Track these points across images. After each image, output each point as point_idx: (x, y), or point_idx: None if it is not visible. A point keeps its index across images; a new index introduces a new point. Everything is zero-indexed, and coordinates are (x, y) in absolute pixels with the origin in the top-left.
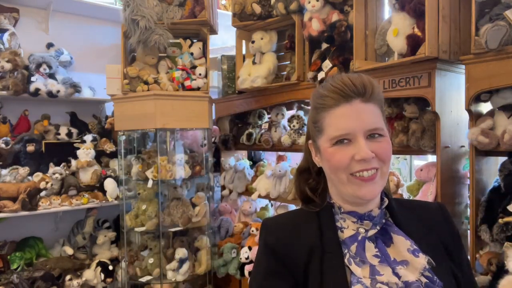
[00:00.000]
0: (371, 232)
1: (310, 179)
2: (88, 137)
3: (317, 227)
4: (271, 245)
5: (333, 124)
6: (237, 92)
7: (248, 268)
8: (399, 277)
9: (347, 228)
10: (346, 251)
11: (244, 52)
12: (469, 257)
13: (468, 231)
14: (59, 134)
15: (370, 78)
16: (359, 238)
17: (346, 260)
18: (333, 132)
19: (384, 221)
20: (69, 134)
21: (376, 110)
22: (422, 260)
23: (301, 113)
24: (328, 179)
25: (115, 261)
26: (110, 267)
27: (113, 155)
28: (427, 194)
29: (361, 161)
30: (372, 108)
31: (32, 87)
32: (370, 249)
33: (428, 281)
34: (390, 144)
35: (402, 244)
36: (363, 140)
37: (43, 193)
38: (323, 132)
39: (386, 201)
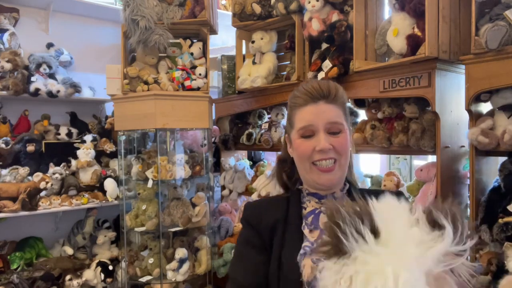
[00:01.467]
0: None
1: (286, 168)
2: (88, 137)
3: (285, 206)
4: (247, 219)
5: (301, 119)
6: (237, 92)
7: None
8: None
9: (310, 206)
10: (304, 222)
11: (244, 52)
12: (469, 257)
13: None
14: (59, 134)
15: (336, 84)
16: (316, 212)
17: (302, 228)
18: (300, 124)
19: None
20: (69, 134)
21: (337, 110)
22: None
23: None
24: (297, 168)
25: (115, 261)
26: (110, 267)
27: (113, 155)
28: (427, 194)
29: (320, 152)
30: (333, 108)
31: (32, 87)
32: (323, 219)
33: None
34: (347, 140)
35: None
36: (323, 134)
37: (43, 193)
38: (294, 126)
39: (347, 186)
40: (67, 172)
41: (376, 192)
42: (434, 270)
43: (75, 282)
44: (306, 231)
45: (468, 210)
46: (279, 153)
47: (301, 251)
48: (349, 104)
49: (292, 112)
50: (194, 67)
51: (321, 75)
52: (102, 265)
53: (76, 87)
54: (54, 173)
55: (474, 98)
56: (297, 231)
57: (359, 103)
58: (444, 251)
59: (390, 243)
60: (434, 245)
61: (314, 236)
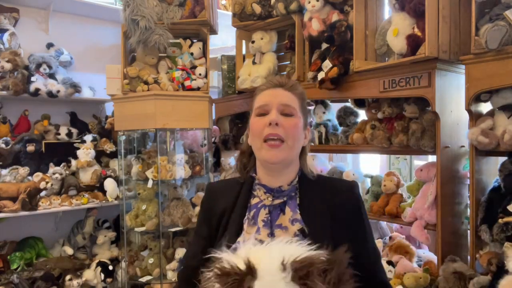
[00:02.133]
0: (277, 201)
1: (244, 159)
2: (88, 137)
3: (237, 193)
4: (202, 203)
5: (258, 101)
6: (237, 92)
7: None
8: (273, 237)
9: (257, 196)
10: (247, 214)
11: (244, 52)
12: (469, 257)
13: (468, 231)
14: (59, 134)
15: (296, 81)
16: (259, 205)
17: (244, 220)
18: (256, 104)
19: (293, 194)
20: (69, 134)
21: (293, 97)
22: (294, 228)
23: None
24: (253, 148)
25: (115, 261)
26: (110, 267)
27: (113, 155)
28: (427, 194)
29: (270, 126)
30: (289, 94)
31: (32, 87)
32: (262, 214)
33: None
34: (297, 125)
35: (288, 214)
36: (275, 111)
37: (43, 193)
38: (253, 108)
39: (296, 180)
40: (67, 172)
41: (331, 181)
42: None
43: (75, 282)
44: (245, 224)
45: (468, 210)
46: None
47: (233, 245)
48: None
49: (254, 98)
50: (194, 67)
51: (321, 75)
52: (102, 265)
53: (76, 87)
54: (54, 173)
55: (474, 98)
56: (238, 223)
57: (359, 103)
58: None
59: None
60: None
61: (251, 232)
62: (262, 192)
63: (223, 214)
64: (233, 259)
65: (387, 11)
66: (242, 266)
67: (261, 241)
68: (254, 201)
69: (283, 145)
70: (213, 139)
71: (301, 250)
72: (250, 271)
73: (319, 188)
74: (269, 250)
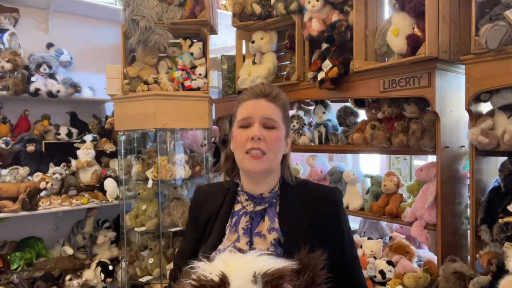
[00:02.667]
0: (258, 208)
1: (228, 163)
2: (88, 137)
3: (222, 198)
4: (191, 207)
5: (241, 112)
6: (237, 92)
7: None
8: (251, 245)
9: (240, 202)
10: (229, 221)
11: (244, 52)
12: (469, 257)
13: (468, 231)
14: (59, 134)
15: (280, 90)
16: (240, 213)
17: (226, 227)
18: (239, 116)
19: (275, 200)
20: (69, 134)
21: (275, 109)
22: (271, 237)
23: (301, 113)
24: (236, 162)
25: (115, 261)
26: (110, 267)
27: (113, 155)
28: (427, 194)
29: (252, 140)
30: (272, 106)
31: (32, 87)
32: (243, 222)
33: (273, 250)
34: (279, 137)
35: (266, 223)
36: (258, 125)
37: (43, 193)
38: (236, 118)
39: (277, 186)
40: (67, 172)
41: (312, 188)
42: None
43: (75, 282)
44: (227, 231)
45: (468, 210)
46: None
47: (214, 252)
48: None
49: (237, 108)
50: (194, 67)
51: (321, 75)
52: (102, 265)
53: (76, 87)
54: (54, 173)
55: (474, 98)
56: (221, 229)
57: (359, 103)
58: None
59: None
60: None
61: (231, 239)
62: (244, 198)
63: (209, 219)
64: (208, 270)
65: (387, 11)
66: (216, 278)
67: (240, 250)
68: (237, 207)
69: (264, 157)
70: (213, 139)
71: (273, 262)
72: (223, 284)
73: (300, 195)
74: (242, 262)
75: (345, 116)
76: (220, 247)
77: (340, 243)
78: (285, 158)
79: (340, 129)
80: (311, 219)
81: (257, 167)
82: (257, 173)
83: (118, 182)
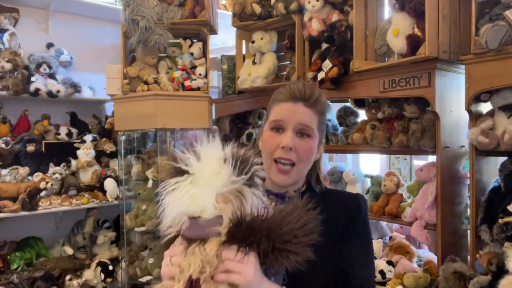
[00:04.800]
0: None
1: None
2: (88, 137)
3: None
4: None
5: (275, 112)
6: (237, 92)
7: None
8: None
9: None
10: None
11: (244, 52)
12: (469, 257)
13: (468, 231)
14: (59, 134)
15: (321, 93)
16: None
17: None
18: (273, 117)
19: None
20: (69, 134)
21: (312, 116)
22: None
23: None
24: (264, 165)
25: (115, 261)
26: (110, 267)
27: (113, 155)
28: (427, 194)
29: (283, 149)
30: (309, 113)
31: (32, 87)
32: None
33: None
34: (311, 147)
35: None
36: (291, 133)
37: (43, 193)
38: (268, 118)
39: (303, 189)
40: (67, 172)
41: (338, 194)
42: (221, 190)
43: (75, 282)
44: None
45: (468, 210)
46: None
47: None
48: (332, 118)
49: (271, 105)
50: (194, 67)
51: (321, 75)
52: (102, 265)
53: (76, 87)
54: (54, 173)
55: (474, 98)
56: None
57: (359, 103)
58: (228, 180)
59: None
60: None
61: None
62: (265, 197)
63: None
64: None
65: (387, 11)
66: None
67: None
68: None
69: (294, 170)
70: None
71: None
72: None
73: (324, 199)
74: (216, 149)
75: (345, 116)
76: None
77: (348, 248)
78: (314, 164)
79: (340, 129)
80: (331, 221)
81: (285, 182)
82: (284, 187)
83: (118, 182)
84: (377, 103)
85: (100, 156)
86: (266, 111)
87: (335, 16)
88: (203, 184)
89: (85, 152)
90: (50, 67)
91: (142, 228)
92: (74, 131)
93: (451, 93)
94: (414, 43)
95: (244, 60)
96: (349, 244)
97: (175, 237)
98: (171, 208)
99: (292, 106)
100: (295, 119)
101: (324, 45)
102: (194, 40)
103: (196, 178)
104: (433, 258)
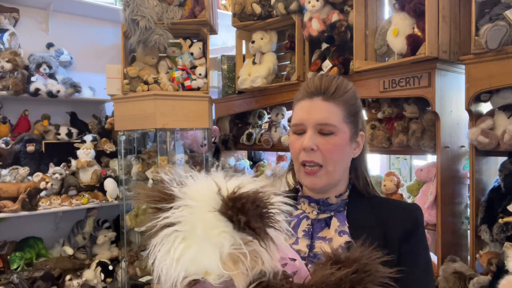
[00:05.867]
0: (322, 216)
1: (292, 166)
2: (88, 137)
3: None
4: None
5: (295, 115)
6: (237, 92)
7: None
8: (312, 248)
9: (300, 209)
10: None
11: (244, 52)
12: (469, 257)
13: (468, 231)
14: (59, 134)
15: (343, 80)
16: (301, 216)
17: None
18: (293, 121)
19: (342, 209)
20: (69, 134)
21: (333, 109)
22: (341, 239)
23: None
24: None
25: (115, 261)
26: (110, 267)
27: (113, 155)
28: (427, 194)
29: (305, 151)
30: (329, 107)
31: (32, 87)
32: (303, 225)
33: None
34: (338, 144)
35: (334, 225)
36: (311, 132)
37: (43, 193)
38: (292, 120)
39: (346, 194)
40: (67, 172)
41: (388, 201)
42: (226, 251)
43: (75, 282)
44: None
45: (468, 210)
46: (280, 153)
47: None
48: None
49: (293, 107)
50: (194, 67)
51: None
52: (102, 265)
53: (76, 87)
54: (54, 173)
55: (474, 98)
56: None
57: None
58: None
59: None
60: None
61: (289, 243)
62: (306, 204)
63: None
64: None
65: (387, 11)
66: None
67: (298, 252)
68: (296, 212)
69: (322, 171)
70: (213, 139)
71: (251, 184)
72: (171, 198)
73: (372, 205)
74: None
75: None
76: None
77: (410, 263)
78: (355, 162)
79: None
80: (384, 231)
81: (314, 184)
82: (316, 190)
83: (118, 182)
84: (377, 103)
85: (100, 156)
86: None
87: (335, 16)
88: (199, 241)
89: (85, 152)
90: (50, 67)
91: (142, 228)
92: (74, 131)
93: (451, 93)
94: (414, 43)
95: (244, 60)
96: (409, 264)
97: None
98: (168, 274)
99: (309, 104)
100: (313, 118)
101: (324, 45)
102: (194, 40)
103: (189, 232)
104: (433, 258)
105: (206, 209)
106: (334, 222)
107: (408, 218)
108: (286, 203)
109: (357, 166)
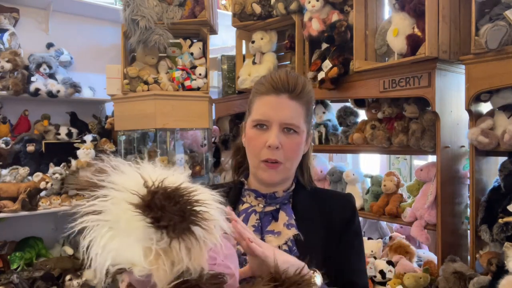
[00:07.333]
0: (269, 209)
1: (239, 156)
2: (88, 137)
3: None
4: None
5: (258, 109)
6: (237, 92)
7: None
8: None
9: (246, 202)
10: None
11: (244, 52)
12: (469, 257)
13: (468, 231)
14: (59, 134)
15: (306, 80)
16: (249, 210)
17: None
18: (255, 115)
19: (286, 202)
20: (69, 134)
21: (299, 109)
22: (290, 232)
23: None
24: (247, 158)
25: None
26: None
27: (113, 155)
28: (427, 194)
29: (270, 148)
30: (295, 106)
31: (32, 87)
32: (252, 220)
33: (287, 249)
34: (299, 143)
35: (282, 219)
36: (277, 130)
37: (43, 193)
38: (251, 114)
39: (292, 187)
40: (67, 172)
41: (327, 193)
42: (147, 244)
43: (75, 282)
44: None
45: (468, 210)
46: None
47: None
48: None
49: (253, 99)
50: (194, 67)
51: (321, 75)
52: None
53: (76, 87)
54: (54, 173)
55: (474, 98)
56: None
57: (359, 103)
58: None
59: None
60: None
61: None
62: (252, 198)
63: None
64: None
65: (387, 11)
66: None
67: None
68: (243, 207)
69: (281, 166)
70: (213, 139)
71: (175, 178)
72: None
73: (315, 198)
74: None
75: (345, 116)
76: None
77: (348, 246)
78: (303, 159)
79: (340, 129)
80: (327, 222)
81: (272, 178)
82: (272, 184)
83: None
84: (377, 103)
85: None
86: (248, 104)
87: (335, 16)
88: (123, 233)
89: (85, 152)
90: (50, 67)
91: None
92: (74, 131)
93: (451, 93)
94: (414, 43)
95: (244, 60)
96: (348, 248)
97: None
98: (96, 261)
99: (276, 100)
100: (280, 116)
101: (324, 45)
102: (194, 40)
103: (112, 223)
104: (433, 258)
105: (129, 201)
106: (282, 216)
107: (346, 208)
108: (215, 200)
109: (303, 162)
